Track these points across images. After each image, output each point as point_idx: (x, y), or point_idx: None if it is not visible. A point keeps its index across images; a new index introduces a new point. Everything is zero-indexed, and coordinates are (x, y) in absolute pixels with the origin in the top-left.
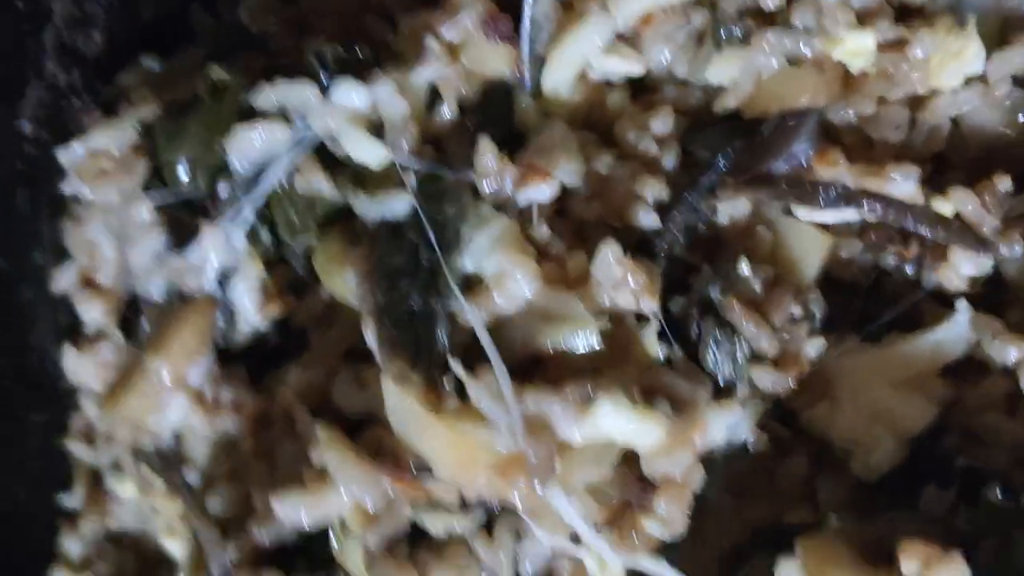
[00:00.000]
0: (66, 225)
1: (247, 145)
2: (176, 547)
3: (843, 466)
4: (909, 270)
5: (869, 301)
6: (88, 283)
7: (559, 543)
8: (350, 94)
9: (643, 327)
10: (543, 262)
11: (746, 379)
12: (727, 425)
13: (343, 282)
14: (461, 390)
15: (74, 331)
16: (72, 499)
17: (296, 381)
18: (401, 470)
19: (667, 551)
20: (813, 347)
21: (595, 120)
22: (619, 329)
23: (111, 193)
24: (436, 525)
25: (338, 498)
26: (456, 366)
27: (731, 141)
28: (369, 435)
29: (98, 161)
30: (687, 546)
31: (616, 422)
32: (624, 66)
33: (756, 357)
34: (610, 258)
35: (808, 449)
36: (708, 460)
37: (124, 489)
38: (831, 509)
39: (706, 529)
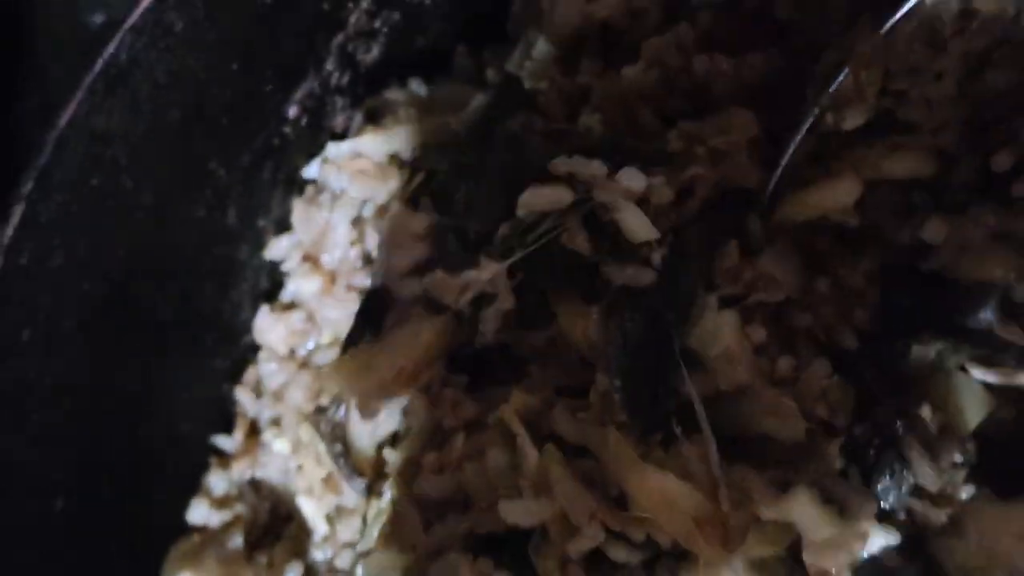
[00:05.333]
0: (297, 202)
1: (536, 199)
2: (310, 507)
3: None
4: None
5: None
6: (309, 259)
7: None
8: (634, 178)
9: (830, 440)
10: (757, 358)
11: (904, 509)
12: (881, 545)
13: (583, 332)
14: (665, 445)
15: (271, 296)
16: (228, 442)
17: (518, 403)
18: (607, 498)
19: None
20: (967, 491)
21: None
22: (811, 434)
23: (366, 191)
24: (618, 553)
25: (551, 508)
26: (678, 431)
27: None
28: (581, 463)
29: (358, 162)
30: None
31: (803, 510)
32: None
33: (917, 491)
34: (820, 372)
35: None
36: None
37: (278, 444)
38: None
39: None
